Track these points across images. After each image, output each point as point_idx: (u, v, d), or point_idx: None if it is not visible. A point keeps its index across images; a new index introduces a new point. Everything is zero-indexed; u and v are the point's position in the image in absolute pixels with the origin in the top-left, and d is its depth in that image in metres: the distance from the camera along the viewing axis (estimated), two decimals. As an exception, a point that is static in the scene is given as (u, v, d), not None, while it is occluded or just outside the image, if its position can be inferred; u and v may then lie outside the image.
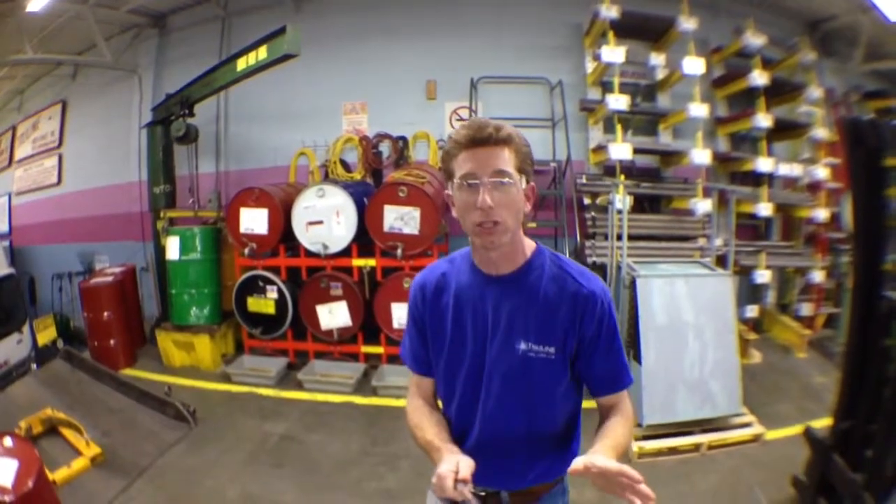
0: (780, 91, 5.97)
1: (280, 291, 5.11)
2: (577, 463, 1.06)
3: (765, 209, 5.54)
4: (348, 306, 5.01)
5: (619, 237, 4.36)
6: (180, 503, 3.30)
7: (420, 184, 4.79)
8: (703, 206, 5.28)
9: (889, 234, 2.62)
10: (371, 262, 4.99)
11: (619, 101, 5.25)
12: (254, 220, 5.12)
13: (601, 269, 4.65)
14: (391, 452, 3.77)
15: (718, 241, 5.13)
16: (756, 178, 5.73)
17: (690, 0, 5.52)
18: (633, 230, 5.01)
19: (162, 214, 5.76)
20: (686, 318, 3.84)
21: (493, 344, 1.32)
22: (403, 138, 6.23)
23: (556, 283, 1.31)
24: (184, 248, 5.35)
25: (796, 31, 6.35)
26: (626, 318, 3.97)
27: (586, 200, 5.65)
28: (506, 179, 1.20)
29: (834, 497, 2.73)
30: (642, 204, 5.72)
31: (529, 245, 1.35)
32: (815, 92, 5.98)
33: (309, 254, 5.06)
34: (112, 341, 5.43)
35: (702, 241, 5.31)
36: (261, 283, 5.17)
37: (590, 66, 6.02)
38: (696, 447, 3.67)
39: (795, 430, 3.34)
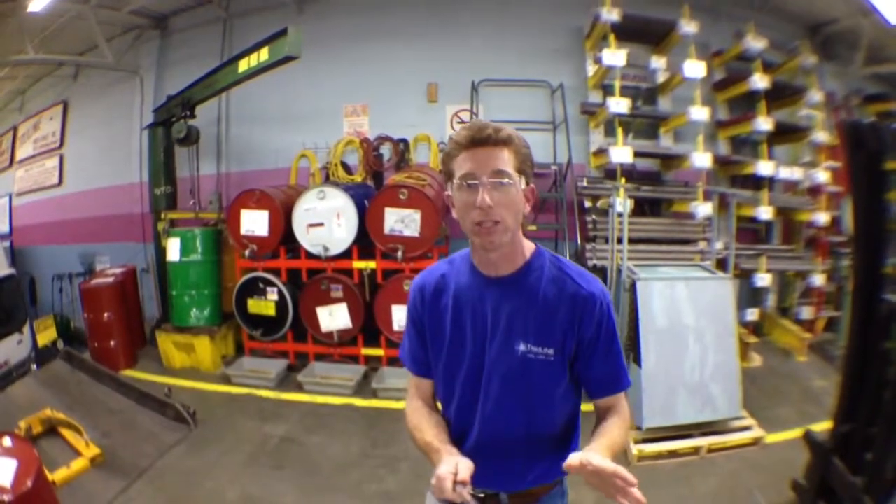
0: (781, 94, 5.97)
1: (280, 293, 5.11)
2: (573, 459, 1.06)
3: (765, 213, 5.54)
4: (348, 308, 5.01)
5: (620, 240, 4.36)
6: (179, 504, 3.30)
7: (421, 186, 4.79)
8: (703, 209, 5.29)
9: (889, 237, 2.62)
10: (371, 265, 4.99)
11: (619, 105, 5.26)
12: (254, 222, 5.12)
13: (601, 272, 4.64)
14: (391, 455, 3.77)
15: (719, 245, 5.14)
16: (757, 182, 5.74)
17: (691, 3, 5.55)
18: (634, 233, 5.01)
19: (163, 216, 5.78)
20: (686, 321, 3.83)
21: (492, 345, 1.32)
22: (404, 141, 6.23)
23: (555, 285, 1.31)
24: (184, 250, 5.36)
25: (797, 34, 6.36)
26: (626, 321, 3.97)
27: (587, 203, 5.66)
28: (505, 179, 1.20)
29: (834, 500, 2.72)
30: (643, 207, 5.72)
31: (529, 247, 1.36)
32: (816, 95, 5.98)
33: (309, 256, 5.06)
34: (112, 342, 5.43)
35: (702, 245, 5.31)
36: (261, 285, 5.17)
37: (591, 69, 6.03)
38: (696, 450, 3.66)
39: (795, 433, 3.33)
